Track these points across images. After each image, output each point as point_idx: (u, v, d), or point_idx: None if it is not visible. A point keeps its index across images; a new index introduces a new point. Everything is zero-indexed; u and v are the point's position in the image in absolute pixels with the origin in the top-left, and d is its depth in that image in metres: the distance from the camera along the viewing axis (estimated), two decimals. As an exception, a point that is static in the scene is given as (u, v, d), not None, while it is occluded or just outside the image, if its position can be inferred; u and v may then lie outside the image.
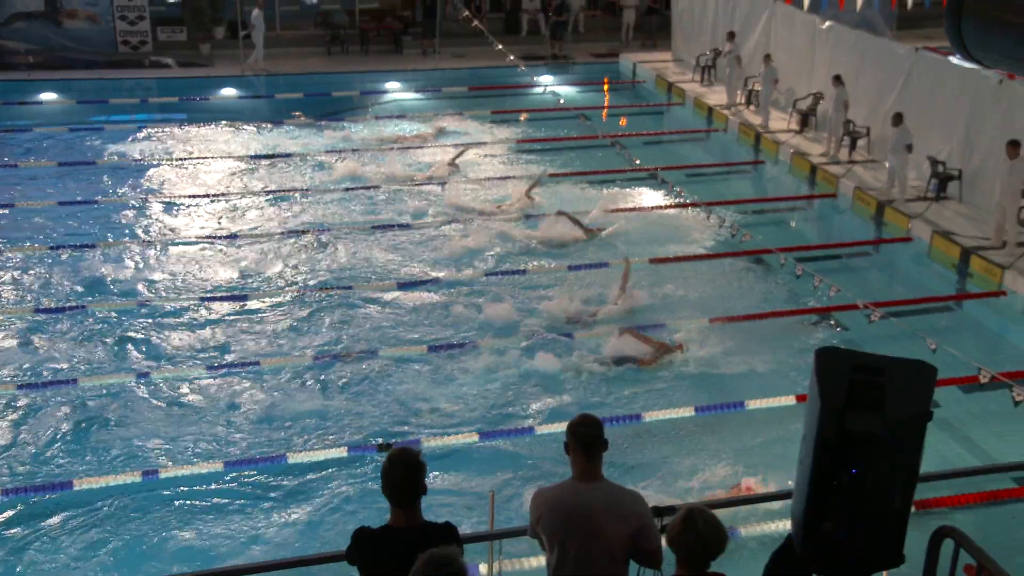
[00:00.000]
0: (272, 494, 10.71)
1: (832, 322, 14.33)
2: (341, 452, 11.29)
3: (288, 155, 21.81)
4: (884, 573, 4.94)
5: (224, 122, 23.97)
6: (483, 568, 7.92)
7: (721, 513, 5.05)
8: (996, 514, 10.34)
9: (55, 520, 10.17)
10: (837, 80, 20.50)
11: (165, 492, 10.65)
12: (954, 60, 18.59)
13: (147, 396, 12.42)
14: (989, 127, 17.50)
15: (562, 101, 25.07)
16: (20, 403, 12.15)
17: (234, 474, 10.95)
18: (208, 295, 15.12)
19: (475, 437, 11.62)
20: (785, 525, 9.24)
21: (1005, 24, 3.21)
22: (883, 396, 3.81)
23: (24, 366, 13.00)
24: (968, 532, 4.99)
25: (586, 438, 5.14)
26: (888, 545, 3.84)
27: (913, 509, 4.04)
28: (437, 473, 10.82)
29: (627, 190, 19.90)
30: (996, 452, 11.15)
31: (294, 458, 11.16)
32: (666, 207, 18.75)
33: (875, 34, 22.68)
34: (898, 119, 18.20)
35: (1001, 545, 8.50)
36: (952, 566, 5.00)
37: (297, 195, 19.41)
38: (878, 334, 13.54)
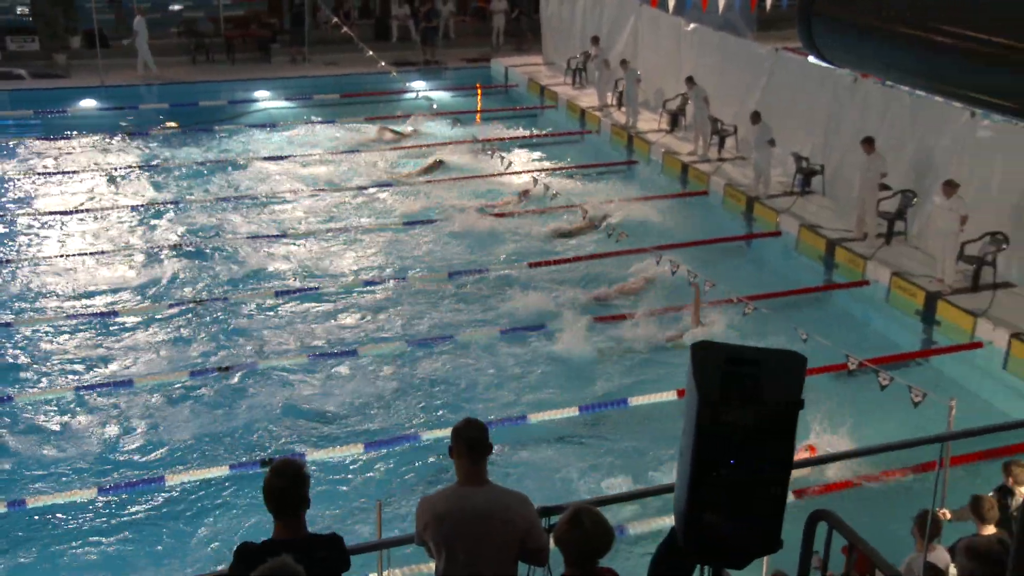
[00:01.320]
0: (152, 517, 10.39)
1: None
2: (223, 470, 11.01)
3: (153, 167, 21.20)
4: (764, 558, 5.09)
5: (84, 134, 23.13)
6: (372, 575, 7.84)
7: (608, 510, 5.12)
8: (868, 495, 10.75)
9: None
10: (690, 81, 21.11)
11: (36, 521, 10.21)
12: (812, 60, 19.27)
13: (12, 421, 11.88)
14: (847, 123, 18.23)
15: (435, 106, 25.04)
16: None
17: (110, 499, 10.57)
18: (75, 313, 14.58)
19: (360, 448, 11.49)
20: (669, 519, 9.42)
21: (851, 24, 3.34)
22: (757, 387, 3.91)
23: None
24: (841, 514, 5.16)
25: (471, 442, 5.13)
26: (767, 532, 3.94)
27: (790, 495, 4.16)
28: (324, 486, 10.66)
29: (503, 193, 19.99)
30: (866, 436, 11.58)
31: (173, 479, 10.84)
32: (542, 209, 18.90)
33: (737, 35, 23.36)
34: (756, 117, 18.82)
35: (872, 524, 8.85)
36: (826, 548, 5.18)
37: (170, 206, 18.90)
38: (752, 326, 13.92)
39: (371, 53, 26.57)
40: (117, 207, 19.01)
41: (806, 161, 18.99)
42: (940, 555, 8.10)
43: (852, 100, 18.26)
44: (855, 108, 18.19)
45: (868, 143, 16.40)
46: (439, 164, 21.49)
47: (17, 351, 13.53)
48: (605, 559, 4.71)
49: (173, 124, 24.06)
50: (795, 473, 4.11)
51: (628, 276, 16.00)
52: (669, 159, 21.58)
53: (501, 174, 20.58)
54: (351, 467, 11.25)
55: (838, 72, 17.85)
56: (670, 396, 12.37)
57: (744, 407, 3.91)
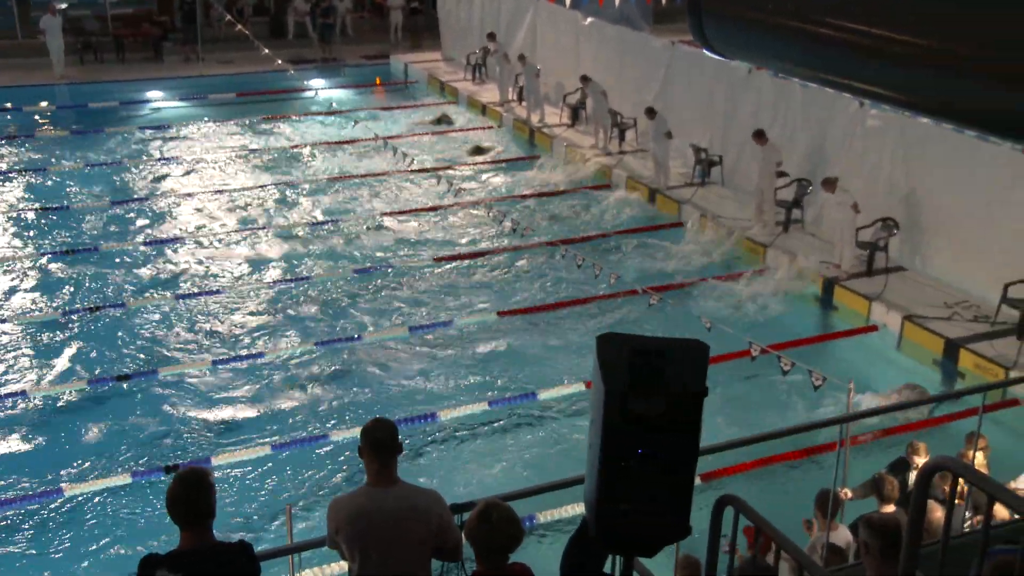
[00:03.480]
0: (50, 529, 10.06)
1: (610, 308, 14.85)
2: (124, 479, 10.73)
3: (40, 171, 20.53)
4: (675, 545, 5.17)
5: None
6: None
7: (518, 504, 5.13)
8: (772, 478, 11.01)
9: None
10: (585, 79, 21.34)
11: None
12: (708, 53, 19.60)
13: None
14: (743, 114, 18.61)
15: (335, 104, 24.76)
16: None
17: (5, 511, 10.21)
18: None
19: (267, 450, 11.32)
20: (579, 508, 9.51)
21: (739, 19, 3.40)
22: (663, 377, 3.96)
23: None
24: (747, 497, 5.26)
25: (379, 442, 5.08)
26: (676, 519, 3.99)
27: (697, 481, 4.22)
28: (232, 491, 10.47)
29: (406, 191, 19.90)
30: (769, 419, 11.85)
31: (72, 489, 10.52)
32: (447, 205, 18.88)
33: (634, 29, 23.64)
34: (651, 112, 19.13)
35: (776, 505, 9.08)
36: (733, 532, 5.28)
37: (58, 211, 18.32)
38: (657, 316, 14.12)
39: (267, 51, 26.15)
40: (3, 211, 18.33)
41: (705, 152, 19.32)
42: (842, 533, 8.34)
43: (747, 92, 18.65)
44: (750, 100, 18.58)
45: (759, 136, 16.79)
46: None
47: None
48: (516, 553, 4.73)
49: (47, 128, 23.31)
50: (701, 458, 4.17)
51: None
52: (571, 152, 21.73)
53: (406, 172, 20.47)
54: (258, 471, 11.07)
55: (733, 65, 18.19)
56: (578, 388, 12.50)
57: (650, 397, 3.94)
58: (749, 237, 16.95)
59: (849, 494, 9.08)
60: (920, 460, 9.04)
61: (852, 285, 15.09)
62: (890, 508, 8.19)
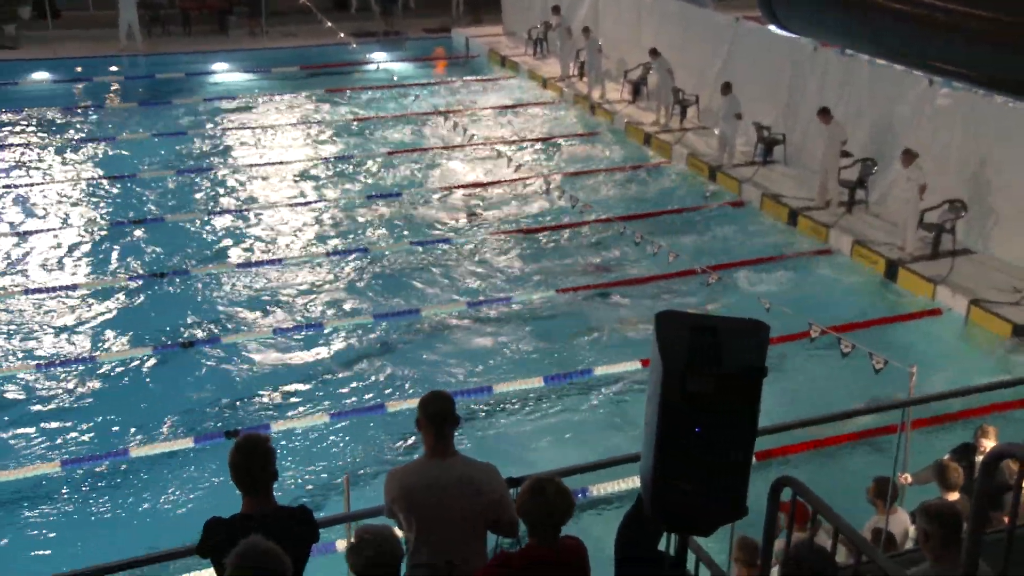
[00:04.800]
0: (118, 490, 10.32)
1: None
2: (187, 443, 10.96)
3: (110, 139, 20.91)
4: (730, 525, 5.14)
5: (34, 107, 22.69)
6: (340, 544, 7.86)
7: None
8: (828, 460, 10.91)
9: None
10: (654, 53, 21.08)
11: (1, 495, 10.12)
12: (773, 29, 19.30)
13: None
14: (809, 93, 18.31)
15: (396, 78, 24.85)
16: None
17: (75, 472, 10.49)
18: (36, 287, 14.40)
19: (326, 418, 11.48)
20: (633, 482, 9.52)
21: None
22: (720, 355, 3.94)
23: None
24: (804, 479, 5.22)
25: (437, 414, 5.13)
26: (732, 498, 3.98)
27: (755, 461, 4.20)
28: (290, 457, 10.64)
29: (466, 164, 19.94)
30: (828, 402, 11.73)
31: (138, 451, 10.78)
32: (505, 180, 18.88)
33: (698, 5, 23.34)
34: (727, 88, 18.84)
35: (833, 489, 8.98)
36: (791, 514, 5.24)
37: (127, 179, 18.65)
38: (716, 295, 14.03)
39: (330, 24, 26.28)
40: (73, 179, 18.73)
41: (768, 131, 19.07)
42: (901, 518, 8.25)
43: (812, 69, 18.34)
44: (815, 77, 18.28)
45: (824, 114, 16.51)
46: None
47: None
48: (569, 526, 4.75)
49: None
50: (758, 438, 4.14)
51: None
52: (632, 129, 21.58)
53: (465, 146, 20.53)
54: (317, 439, 11.23)
55: (798, 41, 17.91)
56: (634, 365, 12.47)
57: (708, 375, 3.93)
58: (811, 217, 16.72)
59: (910, 479, 8.96)
60: (989, 444, 8.86)
61: (916, 267, 14.83)
62: (954, 495, 8.03)
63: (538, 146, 21.22)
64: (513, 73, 26.51)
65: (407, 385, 12.25)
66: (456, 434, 5.25)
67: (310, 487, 10.38)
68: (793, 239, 16.78)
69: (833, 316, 13.05)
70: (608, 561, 4.70)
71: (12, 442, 10.99)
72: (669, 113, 21.35)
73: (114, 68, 25.89)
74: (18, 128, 21.63)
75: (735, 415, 3.94)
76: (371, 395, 12.09)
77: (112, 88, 24.85)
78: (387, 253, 15.90)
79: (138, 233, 16.40)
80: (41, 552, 9.44)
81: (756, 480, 4.24)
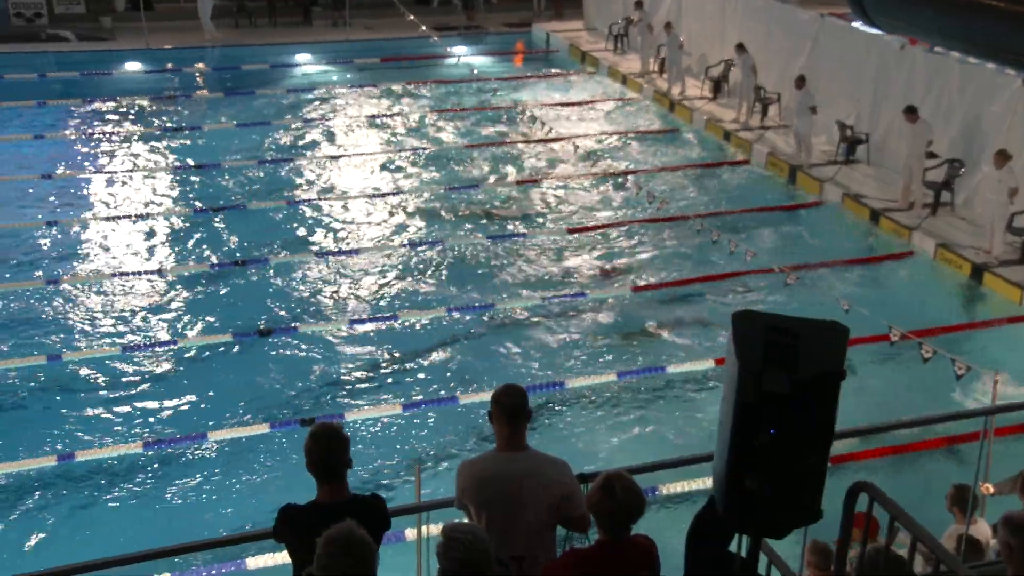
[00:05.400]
0: (195, 473, 10.56)
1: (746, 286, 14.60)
2: (263, 428, 11.17)
3: (196, 129, 21.37)
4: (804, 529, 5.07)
5: (127, 96, 23.30)
6: (410, 532, 7.94)
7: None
8: (905, 466, 10.69)
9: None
10: (740, 48, 20.81)
11: (82, 475, 10.43)
12: (858, 25, 18.96)
13: (60, 378, 12.11)
14: (894, 91, 17.92)
15: (476, 72, 24.94)
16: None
17: (154, 454, 10.76)
18: (121, 272, 14.79)
19: (398, 408, 11.60)
20: (704, 483, 9.45)
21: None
22: (797, 357, 3.89)
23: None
24: (881, 485, 5.13)
25: (510, 408, 5.15)
26: (806, 501, 3.93)
27: (829, 464, 4.14)
28: (362, 446, 10.78)
29: (543, 159, 19.95)
30: (906, 407, 11.51)
31: (215, 436, 11.01)
32: (583, 175, 18.84)
33: (781, 1, 23.01)
34: (801, 82, 18.56)
35: (911, 496, 8.80)
36: (867, 519, 5.15)
37: (211, 169, 19.05)
38: (793, 296, 13.84)
39: (411, 17, 26.49)
40: (160, 169, 19.19)
41: (851, 129, 18.72)
42: (982, 528, 8.05)
43: (899, 67, 17.94)
44: (901, 75, 17.88)
45: (910, 112, 16.14)
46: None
47: (67, 310, 13.74)
48: (639, 524, 4.73)
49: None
50: (836, 442, 4.08)
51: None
52: (711, 126, 21.37)
53: (543, 141, 20.55)
54: (389, 428, 11.35)
55: (884, 38, 17.55)
56: (708, 364, 12.38)
57: (785, 376, 3.88)
58: (894, 219, 16.38)
59: (991, 489, 8.73)
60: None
61: (1003, 272, 14.43)
62: (1036, 507, 7.82)
63: (616, 142, 21.13)
64: (593, 68, 26.42)
65: (480, 378, 12.30)
66: (528, 428, 5.27)
67: (381, 476, 10.50)
68: (874, 241, 16.47)
69: (914, 320, 12.77)
70: (678, 561, 4.67)
71: (97, 422, 11.31)
72: (750, 111, 21.09)
73: (202, 59, 26.43)
74: (110, 117, 22.21)
75: (812, 417, 3.89)
76: (443, 387, 12.17)
77: (199, 78, 25.39)
78: (463, 246, 15.99)
79: (220, 221, 16.74)
80: (123, 527, 9.70)
81: (831, 484, 4.18)
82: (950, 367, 10.67)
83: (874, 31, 16.20)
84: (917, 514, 5.09)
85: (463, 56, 26.90)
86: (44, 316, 13.55)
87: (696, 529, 4.52)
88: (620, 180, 18.36)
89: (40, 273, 14.76)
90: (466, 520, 5.36)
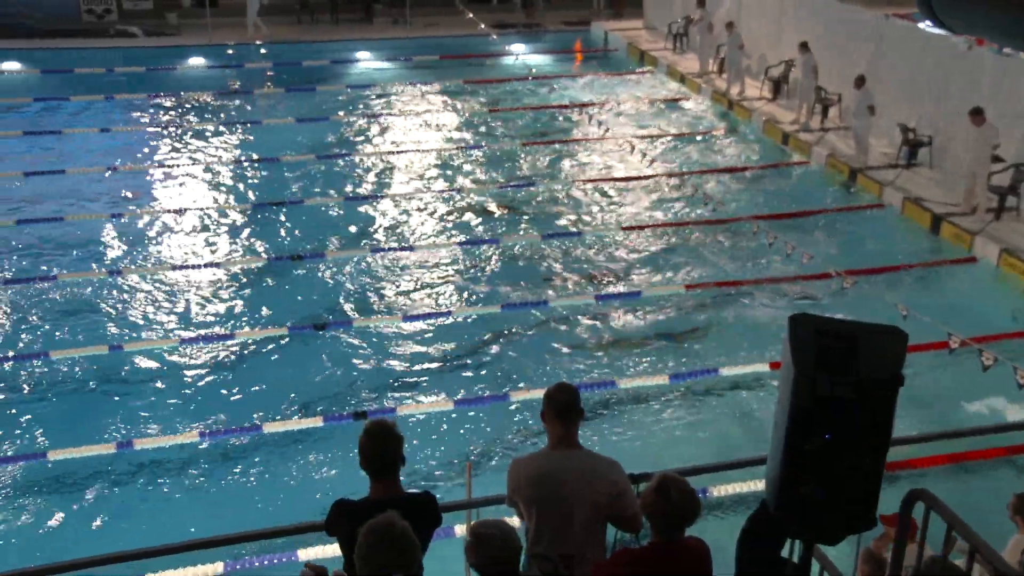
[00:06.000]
0: (249, 464, 10.70)
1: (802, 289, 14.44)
2: (317, 422, 11.28)
3: (255, 124, 21.65)
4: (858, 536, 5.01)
5: (191, 91, 23.69)
6: (459, 529, 7.98)
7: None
8: (963, 475, 10.50)
9: (32, 490, 10.14)
10: (804, 47, 20.55)
11: (140, 463, 10.62)
12: (922, 26, 18.65)
13: (120, 368, 12.34)
14: (958, 93, 17.58)
15: (534, 70, 24.98)
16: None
17: (210, 444, 10.92)
18: (180, 264, 15.04)
19: (450, 405, 11.65)
20: (756, 486, 9.37)
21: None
22: (855, 361, 3.84)
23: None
24: (938, 493, 5.05)
25: (562, 406, 5.15)
26: (861, 508, 3.88)
27: (885, 472, 4.09)
28: (414, 442, 10.84)
29: (599, 159, 19.90)
30: (965, 416, 11.31)
31: (270, 428, 11.15)
32: (639, 176, 18.77)
33: (844, 1, 22.70)
34: (860, 81, 18.30)
35: (969, 505, 8.65)
36: (923, 528, 5.07)
37: (270, 163, 19.29)
38: (851, 300, 13.66)
39: (471, 16, 26.58)
40: (220, 163, 19.47)
41: (913, 132, 18.42)
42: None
43: (964, 69, 17.60)
44: (967, 77, 17.53)
45: (976, 115, 15.82)
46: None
47: (127, 301, 14.00)
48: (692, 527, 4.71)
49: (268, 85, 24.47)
50: (892, 449, 4.03)
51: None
52: (770, 127, 21.16)
53: (599, 140, 20.52)
54: (440, 425, 11.40)
55: (950, 39, 17.23)
56: (762, 367, 12.26)
57: (842, 381, 3.84)
58: (956, 223, 16.08)
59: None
60: None
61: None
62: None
63: (673, 142, 21.01)
64: (651, 68, 26.30)
65: (532, 376, 12.31)
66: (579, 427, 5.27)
67: (432, 472, 10.55)
68: (935, 245, 16.19)
69: (975, 327, 12.54)
70: (729, 564, 4.64)
71: (155, 411, 11.51)
72: (810, 112, 20.85)
73: (264, 55, 26.76)
74: (173, 111, 22.61)
75: (868, 423, 3.84)
76: (495, 384, 12.20)
77: (261, 74, 25.70)
78: (517, 243, 16.00)
79: (278, 215, 16.94)
80: (177, 516, 9.86)
81: (887, 491, 4.13)
82: (1012, 375, 10.45)
83: (940, 32, 15.93)
84: (975, 524, 5.00)
85: (521, 54, 26.93)
86: (106, 306, 13.83)
87: (748, 533, 4.49)
88: (676, 180, 18.25)
89: (103, 264, 15.06)
90: (514, 518, 5.38)
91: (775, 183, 18.79)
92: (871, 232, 16.79)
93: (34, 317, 13.47)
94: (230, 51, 26.80)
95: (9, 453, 10.68)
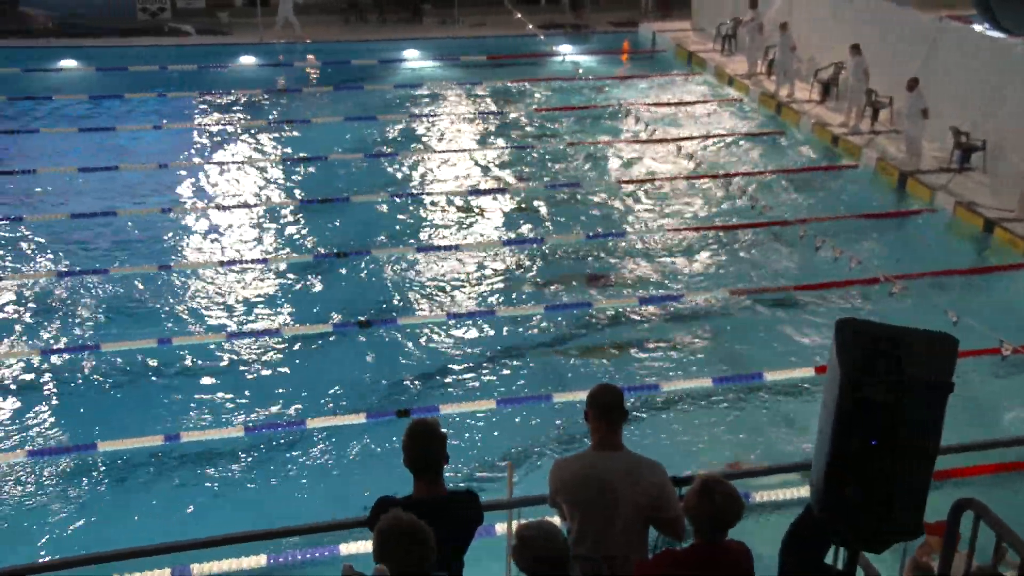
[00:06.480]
0: (292, 459, 10.80)
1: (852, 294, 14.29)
2: (360, 418, 11.35)
3: (303, 123, 21.83)
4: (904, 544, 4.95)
5: (240, 90, 23.95)
6: (500, 528, 7.99)
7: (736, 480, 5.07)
8: (1012, 485, 10.32)
9: (80, 480, 10.32)
10: (855, 49, 20.30)
11: (185, 456, 10.75)
12: (978, 28, 18.36)
13: (168, 361, 12.51)
14: (1014, 96, 17.29)
15: (580, 71, 24.93)
16: (43, 368, 12.26)
17: (254, 439, 11.03)
18: (228, 260, 15.21)
19: (492, 404, 11.66)
20: (799, 492, 9.29)
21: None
22: (903, 366, 3.80)
23: (46, 331, 13.10)
24: (987, 503, 4.97)
25: (606, 407, 5.14)
26: (908, 516, 3.83)
27: (933, 480, 4.03)
28: (455, 440, 10.86)
29: (645, 160, 19.83)
30: (1016, 424, 11.12)
31: (313, 423, 11.24)
32: (685, 176, 18.68)
33: (897, 2, 22.42)
34: (913, 83, 18.05)
35: (1016, 517, 8.50)
36: (972, 538, 4.99)
37: (316, 161, 19.44)
38: (900, 306, 13.48)
39: (519, 16, 26.59)
40: (268, 160, 19.67)
41: (966, 136, 18.14)
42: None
43: (1020, 71, 17.29)
44: (1022, 80, 17.23)
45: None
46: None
47: (176, 295, 14.18)
48: (731, 531, 4.68)
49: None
50: (941, 457, 3.97)
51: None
52: (818, 130, 20.95)
53: (646, 141, 20.44)
54: (482, 424, 11.42)
55: (1006, 41, 16.94)
56: (807, 372, 12.15)
57: (890, 387, 3.80)
58: (1009, 229, 15.81)
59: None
60: None
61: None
62: None
63: (720, 144, 20.87)
64: (699, 69, 26.15)
65: (574, 377, 12.29)
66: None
67: (474, 471, 10.57)
68: (988, 251, 15.93)
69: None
70: (770, 569, 4.61)
71: (202, 405, 11.65)
72: (860, 115, 20.61)
73: (312, 54, 26.98)
74: (224, 109, 22.87)
75: (916, 430, 3.80)
76: (538, 384, 12.20)
77: (309, 73, 25.93)
78: (562, 244, 15.99)
79: (325, 213, 17.07)
80: (221, 509, 9.98)
81: (934, 500, 4.07)
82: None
83: (997, 34, 15.69)
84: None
85: (568, 55, 26.90)
86: (155, 301, 14.03)
87: (792, 537, 4.45)
88: (723, 182, 18.13)
89: (153, 259, 15.26)
90: (555, 519, 5.38)
91: (823, 186, 18.59)
92: (921, 237, 16.56)
93: (86, 310, 13.70)
94: (280, 50, 27.06)
95: (60, 443, 10.87)
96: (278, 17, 27.75)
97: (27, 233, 16.01)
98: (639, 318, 13.79)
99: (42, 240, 15.79)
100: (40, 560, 7.60)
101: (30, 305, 13.79)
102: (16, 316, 13.48)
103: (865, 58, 20.15)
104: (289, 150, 20.31)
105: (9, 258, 15.20)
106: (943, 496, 5.63)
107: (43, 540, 9.51)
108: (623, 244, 16.02)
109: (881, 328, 3.98)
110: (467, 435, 11.16)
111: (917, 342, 3.89)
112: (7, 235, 15.93)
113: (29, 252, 15.42)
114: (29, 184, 18.23)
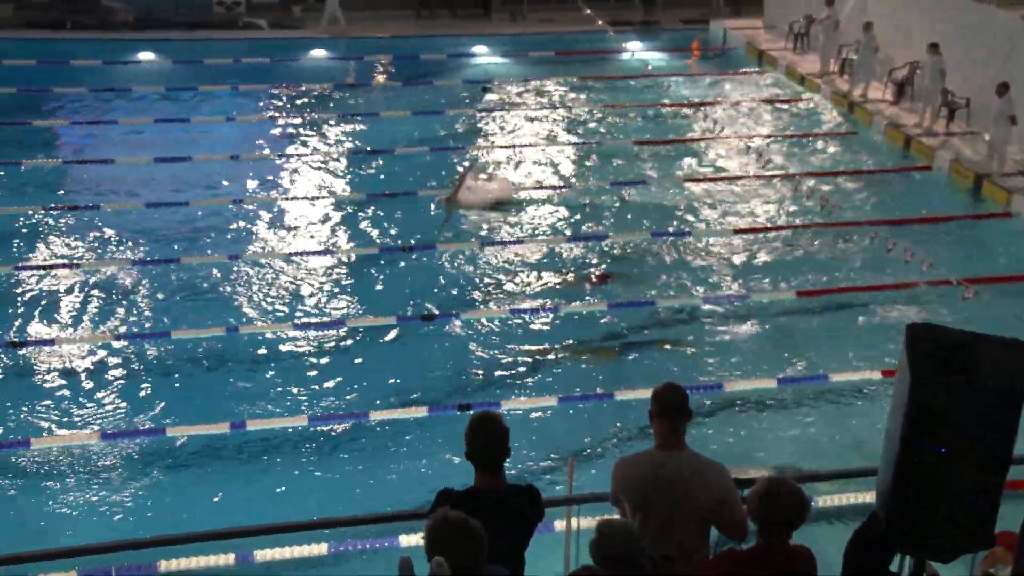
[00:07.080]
0: (355, 450, 10.92)
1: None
2: (422, 411, 11.43)
3: (372, 116, 22.03)
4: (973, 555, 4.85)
5: (311, 83, 24.22)
6: (559, 524, 7.99)
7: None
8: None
9: (151, 464, 10.55)
10: (933, 48, 19.87)
11: (252, 444, 10.93)
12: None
13: (235, 350, 12.72)
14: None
15: (649, 68, 24.78)
16: (115, 353, 12.55)
17: (317, 429, 11.17)
18: (296, 251, 15.41)
19: (554, 401, 11.66)
20: (862, 497, 9.16)
21: None
22: (975, 373, 3.73)
23: (119, 318, 13.40)
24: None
25: (671, 406, 5.12)
26: (977, 526, 3.76)
27: (1004, 489, 3.95)
28: (516, 435, 10.87)
29: (714, 159, 19.66)
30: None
31: (376, 415, 11.34)
32: (754, 176, 18.48)
33: (978, 0, 21.92)
34: (1004, 88, 17.59)
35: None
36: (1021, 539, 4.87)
37: (381, 154, 19.61)
38: (971, 311, 13.21)
39: (588, 12, 26.52)
40: (337, 153, 19.88)
41: (1046, 139, 17.69)
42: None
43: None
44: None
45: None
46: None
47: (244, 285, 14.40)
48: (794, 536, 4.63)
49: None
50: (1013, 466, 3.88)
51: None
52: (891, 131, 20.57)
53: (715, 139, 20.27)
54: (544, 420, 11.42)
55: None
56: (874, 375, 11.96)
57: (961, 393, 3.73)
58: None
59: None
60: None
61: None
62: None
63: (790, 144, 20.61)
64: (770, 68, 25.84)
65: (637, 375, 12.23)
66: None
67: (535, 466, 10.59)
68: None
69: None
70: (833, 574, 4.55)
71: (267, 393, 11.83)
72: (935, 115, 20.19)
73: (383, 50, 27.20)
74: (294, 102, 23.17)
75: (988, 437, 3.72)
76: (601, 381, 12.17)
77: (379, 67, 26.15)
78: (627, 242, 15.92)
79: (391, 206, 17.19)
80: (283, 497, 10.13)
81: (1004, 510, 3.99)
82: None
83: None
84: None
85: (637, 52, 26.76)
86: (224, 289, 14.27)
87: (856, 544, 4.39)
88: (792, 182, 17.90)
89: (223, 248, 15.52)
90: (617, 516, 5.37)
91: (896, 188, 18.27)
92: (996, 241, 16.19)
93: (158, 297, 13.98)
94: (350, 45, 27.32)
95: (131, 427, 11.12)
96: (325, 13, 28.00)
97: (103, 222, 16.38)
98: (704, 317, 13.69)
99: (117, 228, 16.14)
100: (110, 541, 7.77)
101: (104, 292, 14.12)
102: (90, 302, 13.81)
103: (943, 58, 19.73)
104: (357, 143, 20.51)
105: (85, 246, 15.57)
106: (1010, 506, 5.50)
107: (115, 520, 9.74)
108: (690, 243, 15.90)
109: (953, 333, 3.92)
110: (528, 431, 11.16)
111: (989, 348, 3.82)
112: (85, 223, 16.32)
113: (105, 240, 15.78)
114: (107, 173, 18.64)
